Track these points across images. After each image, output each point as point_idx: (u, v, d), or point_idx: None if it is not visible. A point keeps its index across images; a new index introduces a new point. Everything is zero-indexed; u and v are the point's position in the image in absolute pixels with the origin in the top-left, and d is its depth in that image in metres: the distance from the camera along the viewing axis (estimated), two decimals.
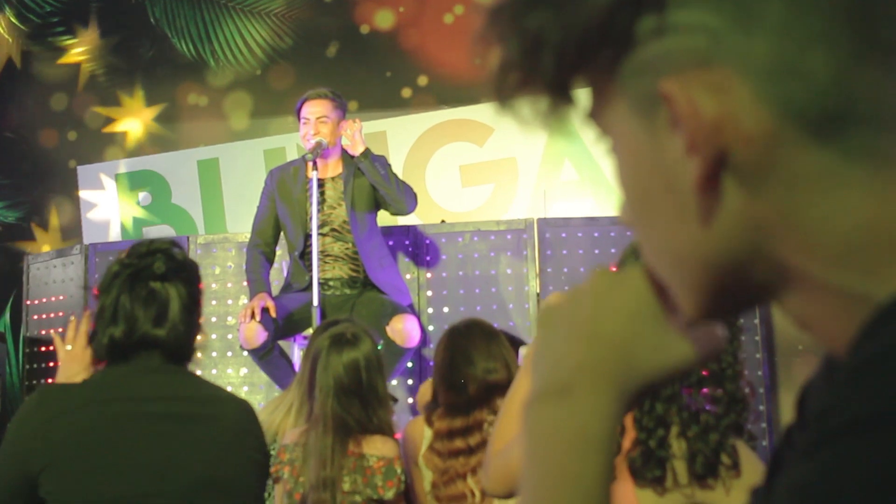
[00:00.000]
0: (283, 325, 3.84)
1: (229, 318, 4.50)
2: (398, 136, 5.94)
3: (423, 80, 6.04)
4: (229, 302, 4.55)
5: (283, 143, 6.11)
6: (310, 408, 2.65)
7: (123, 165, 6.48)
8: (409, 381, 4.25)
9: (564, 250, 4.35)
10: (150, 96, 6.51)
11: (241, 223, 5.65)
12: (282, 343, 3.96)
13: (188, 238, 4.70)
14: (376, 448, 2.56)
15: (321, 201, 3.95)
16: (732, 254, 0.56)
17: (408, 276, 4.36)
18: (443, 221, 4.92)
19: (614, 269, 0.67)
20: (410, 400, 4.21)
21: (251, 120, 6.31)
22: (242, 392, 4.35)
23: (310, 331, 3.71)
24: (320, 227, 3.90)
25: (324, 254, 3.96)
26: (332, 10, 6.25)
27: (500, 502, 2.32)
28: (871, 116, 0.52)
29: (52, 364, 4.74)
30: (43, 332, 4.92)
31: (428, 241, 4.46)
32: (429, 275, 4.41)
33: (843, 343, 0.51)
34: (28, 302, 5.10)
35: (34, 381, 4.90)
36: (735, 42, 0.52)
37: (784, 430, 0.64)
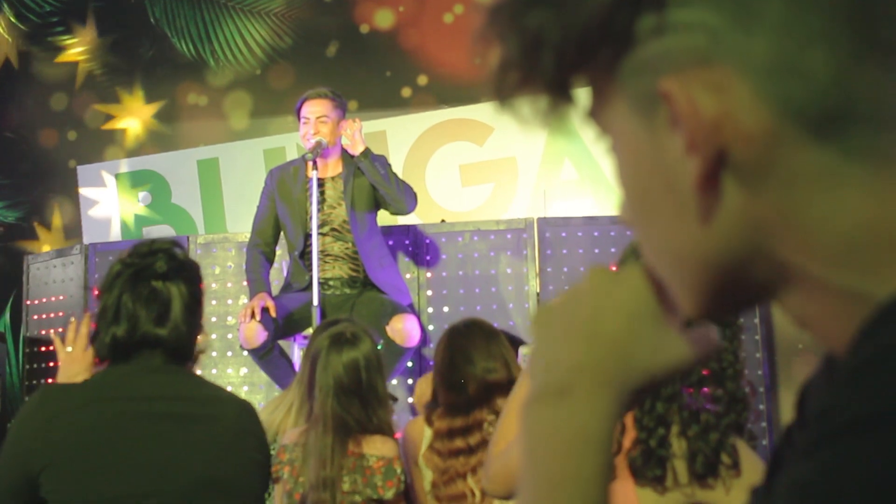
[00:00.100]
0: (283, 324, 3.84)
1: (229, 318, 4.50)
2: (398, 136, 5.94)
3: (422, 80, 6.04)
4: (229, 302, 4.55)
5: (282, 142, 6.11)
6: (309, 407, 2.65)
7: (123, 165, 6.48)
8: (409, 381, 4.25)
9: (564, 250, 4.35)
10: (149, 95, 6.51)
11: (240, 223, 5.66)
12: (282, 343, 3.96)
13: (188, 238, 4.70)
14: (376, 448, 2.56)
15: (321, 201, 3.95)
16: (732, 253, 0.55)
17: (408, 276, 4.36)
18: (443, 221, 4.92)
19: (613, 268, 0.67)
20: (410, 399, 4.21)
21: (251, 120, 6.31)
22: (242, 392, 4.35)
23: (310, 330, 3.71)
24: (320, 226, 3.90)
25: (324, 253, 3.96)
26: (332, 9, 6.25)
27: (500, 503, 2.31)
28: (871, 116, 0.52)
29: (52, 364, 4.74)
30: (43, 332, 4.92)
31: (428, 241, 4.46)
32: (429, 274, 4.41)
33: (843, 342, 0.51)
34: (28, 302, 5.10)
35: (34, 381, 4.90)
36: (735, 41, 0.52)
37: (784, 430, 0.64)
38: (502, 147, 5.78)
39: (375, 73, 6.07)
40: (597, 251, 4.30)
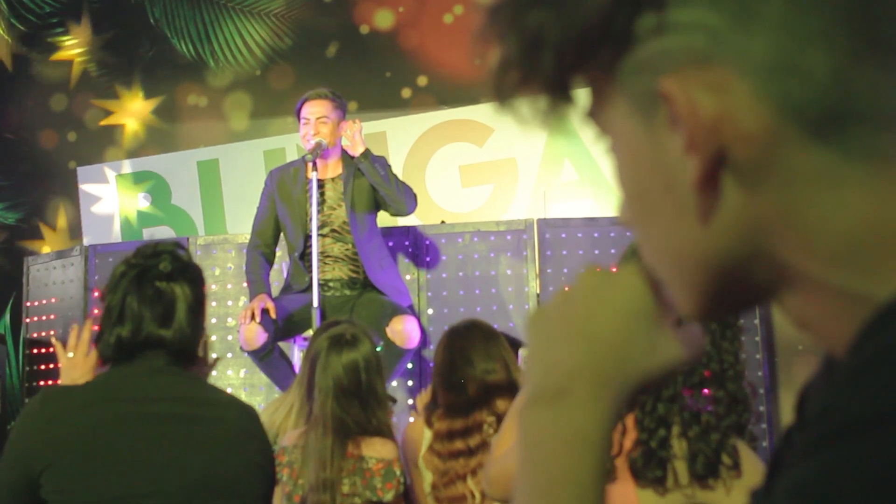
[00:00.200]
0: (283, 326, 3.84)
1: (229, 320, 4.50)
2: (398, 137, 5.94)
3: (422, 81, 6.04)
4: (229, 303, 4.55)
5: (282, 143, 6.10)
6: (309, 409, 2.65)
7: (123, 166, 6.48)
8: (410, 383, 4.25)
9: (564, 251, 4.35)
10: (149, 94, 6.51)
11: (240, 224, 5.65)
12: (282, 344, 3.95)
13: (188, 239, 4.70)
14: (375, 450, 2.56)
15: (321, 202, 3.95)
16: (731, 253, 0.55)
17: (407, 277, 4.35)
18: (443, 222, 4.92)
19: (613, 269, 0.67)
20: (410, 401, 4.21)
21: (251, 120, 6.31)
22: (242, 393, 4.35)
23: (310, 332, 3.71)
24: (320, 227, 3.90)
25: (324, 255, 3.96)
26: (332, 10, 6.25)
27: None
28: (871, 115, 0.52)
29: (51, 366, 4.74)
30: (43, 334, 4.92)
31: (428, 242, 4.46)
32: (428, 275, 4.41)
33: (843, 343, 0.51)
34: (28, 303, 5.10)
35: (34, 383, 4.90)
36: (734, 41, 0.52)
37: (784, 431, 0.64)
38: (502, 148, 5.78)
39: (375, 73, 6.07)
40: (597, 252, 4.30)
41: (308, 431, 2.59)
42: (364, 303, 3.92)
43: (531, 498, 0.62)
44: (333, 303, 3.93)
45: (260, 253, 4.08)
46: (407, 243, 4.46)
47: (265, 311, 3.75)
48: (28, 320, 5.07)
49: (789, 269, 0.54)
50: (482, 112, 5.68)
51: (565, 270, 4.30)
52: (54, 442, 1.75)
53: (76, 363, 2.08)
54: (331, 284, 3.98)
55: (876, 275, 0.51)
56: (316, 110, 3.95)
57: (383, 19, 6.17)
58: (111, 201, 6.46)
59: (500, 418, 2.69)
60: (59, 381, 2.11)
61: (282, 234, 4.13)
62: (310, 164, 3.79)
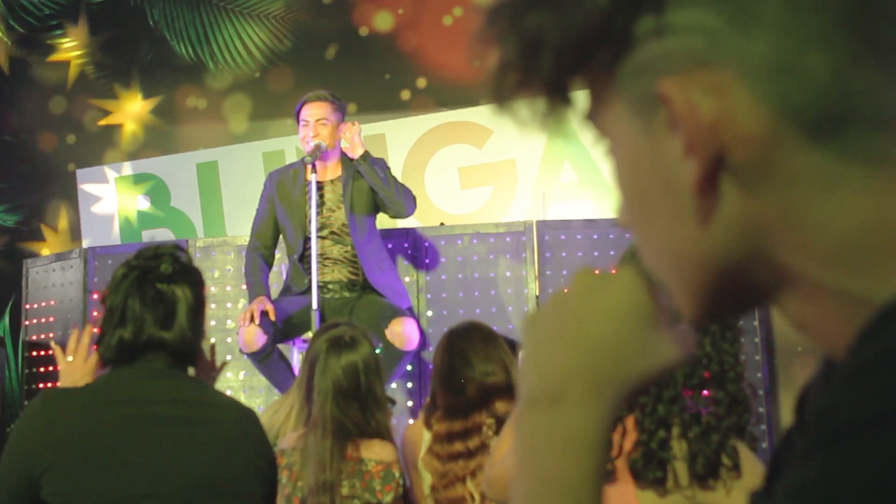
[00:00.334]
0: (283, 328, 3.84)
1: (228, 322, 4.50)
2: (397, 139, 5.94)
3: (422, 83, 6.04)
4: (228, 305, 4.55)
5: (282, 145, 6.10)
6: (308, 411, 2.65)
7: (123, 168, 6.48)
8: (409, 385, 4.25)
9: (564, 252, 4.35)
10: (148, 96, 6.51)
11: (240, 226, 5.65)
12: (281, 346, 3.95)
13: (187, 241, 4.70)
14: (374, 452, 2.56)
15: (320, 204, 3.95)
16: (731, 255, 0.55)
17: (407, 279, 4.35)
18: (442, 224, 4.92)
19: (599, 271, 0.66)
20: (410, 403, 4.21)
21: (250, 122, 6.31)
22: (242, 396, 4.35)
23: (309, 334, 3.71)
24: (319, 229, 3.90)
25: (323, 257, 3.96)
26: (331, 12, 6.25)
27: None
28: (870, 117, 0.52)
29: (51, 368, 4.74)
30: (42, 337, 4.92)
31: (427, 244, 4.45)
32: (428, 277, 4.41)
33: (842, 345, 0.51)
34: (27, 306, 5.09)
35: (34, 385, 4.89)
36: (733, 42, 0.52)
37: (783, 433, 0.64)
38: (501, 150, 5.78)
39: (374, 75, 6.07)
40: (596, 254, 4.30)
41: (307, 433, 2.58)
42: (363, 305, 3.92)
43: (528, 501, 0.62)
44: (333, 305, 3.93)
45: (259, 255, 4.08)
46: (406, 245, 4.46)
47: (264, 314, 3.75)
48: (27, 323, 5.07)
49: (788, 270, 0.54)
50: (481, 114, 5.68)
51: (565, 272, 4.30)
52: (55, 444, 1.75)
53: (75, 367, 2.08)
54: (330, 286, 3.98)
55: (875, 276, 0.51)
56: (315, 112, 3.95)
57: (382, 21, 6.17)
58: (110, 203, 6.46)
59: (499, 420, 2.69)
60: (58, 385, 2.11)
61: (281, 237, 4.12)
62: (309, 167, 3.79)
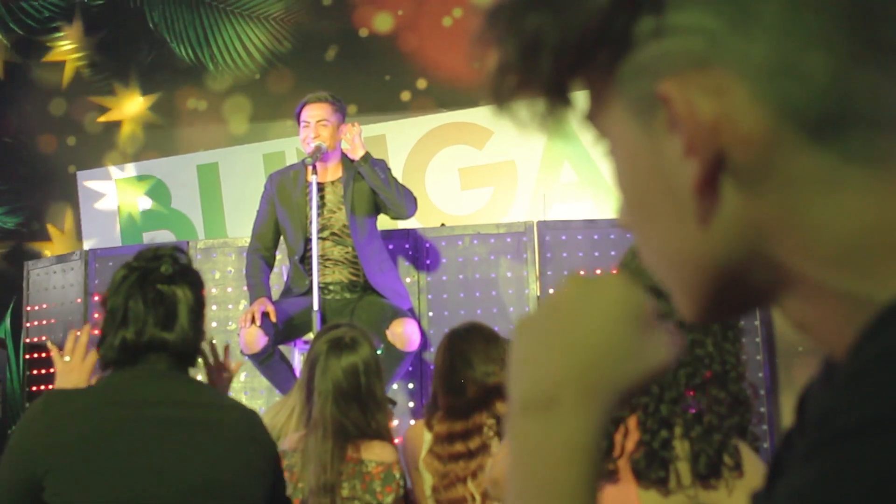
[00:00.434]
0: (284, 329, 3.84)
1: (230, 324, 4.50)
2: (397, 140, 5.94)
3: (422, 84, 6.04)
4: (229, 307, 4.55)
5: (282, 147, 6.10)
6: (308, 412, 2.65)
7: (123, 170, 6.49)
8: (410, 385, 4.25)
9: (564, 253, 4.35)
10: (152, 108, 6.51)
11: (240, 228, 5.65)
12: (282, 348, 3.95)
13: (188, 243, 4.70)
14: (375, 454, 2.56)
15: (321, 205, 3.95)
16: (731, 256, 0.55)
17: (408, 280, 4.35)
18: (442, 225, 4.92)
19: (589, 275, 0.66)
20: (411, 404, 4.21)
21: (250, 124, 6.31)
22: (243, 397, 4.35)
23: (310, 335, 3.71)
24: (320, 231, 3.90)
25: (324, 258, 3.96)
26: (331, 13, 6.25)
27: None
28: (870, 118, 0.51)
29: (52, 370, 4.73)
30: (43, 339, 4.92)
31: (428, 245, 4.45)
32: (429, 278, 4.41)
33: (843, 346, 0.51)
34: (28, 308, 5.10)
35: (35, 387, 4.89)
36: (733, 43, 0.52)
37: (784, 434, 0.64)
38: (502, 150, 5.78)
39: (374, 76, 6.07)
40: (597, 254, 4.30)
41: (307, 435, 2.58)
42: (364, 306, 3.92)
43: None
44: (333, 306, 3.93)
45: (260, 256, 4.08)
46: (407, 246, 4.46)
47: (265, 315, 3.75)
48: (28, 325, 5.07)
49: (789, 271, 0.54)
50: (481, 115, 5.68)
51: (565, 272, 4.29)
52: (57, 445, 1.76)
53: (73, 367, 2.08)
54: (331, 288, 3.98)
55: (875, 277, 0.51)
56: (316, 114, 3.95)
57: (382, 22, 6.17)
58: (111, 205, 6.47)
59: (500, 421, 2.69)
60: (53, 386, 2.11)
61: (282, 238, 4.12)
62: (309, 168, 3.79)
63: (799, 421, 0.62)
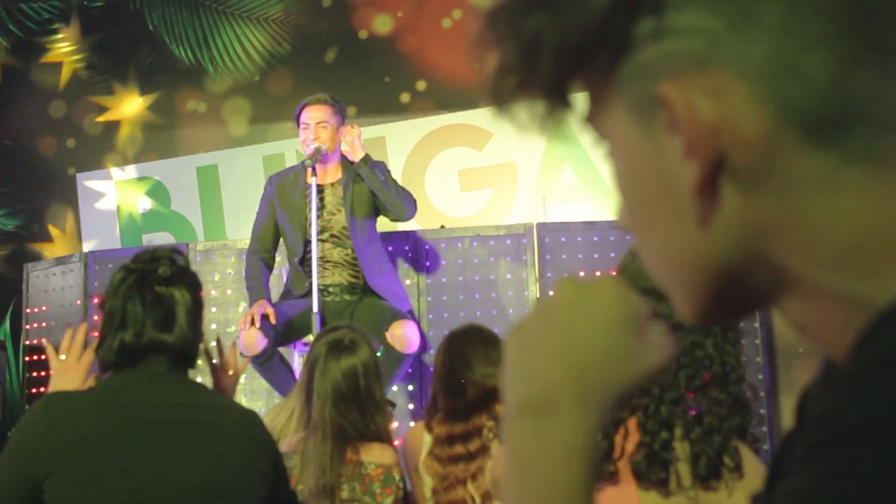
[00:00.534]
0: (283, 331, 3.84)
1: (229, 326, 4.50)
2: (397, 142, 5.94)
3: (421, 85, 6.04)
4: (229, 309, 4.55)
5: (282, 149, 6.10)
6: (308, 414, 2.65)
7: (123, 172, 6.49)
8: (410, 387, 4.25)
9: (564, 255, 4.35)
10: (150, 107, 6.51)
11: (240, 230, 5.66)
12: (282, 350, 3.95)
13: (188, 245, 4.70)
14: (374, 455, 2.56)
15: (321, 207, 3.95)
16: (731, 257, 0.55)
17: (407, 282, 4.35)
18: (442, 227, 4.92)
19: (580, 279, 0.66)
20: (411, 406, 4.21)
21: (250, 126, 6.32)
22: (243, 399, 4.35)
23: (310, 337, 3.71)
24: (320, 233, 3.90)
25: (323, 260, 3.96)
26: (331, 15, 6.25)
27: None
28: (871, 118, 0.51)
29: (51, 372, 4.73)
30: (42, 341, 4.92)
31: (427, 247, 4.45)
32: (428, 280, 4.41)
33: (842, 348, 0.50)
34: (28, 310, 5.09)
35: (34, 390, 4.89)
36: (733, 44, 0.52)
37: (784, 436, 0.64)
38: (501, 152, 5.78)
39: (374, 78, 6.08)
40: (596, 256, 4.30)
41: (307, 437, 2.58)
42: (364, 308, 3.92)
43: None
44: (333, 308, 3.93)
45: (259, 258, 4.08)
46: (406, 248, 4.46)
47: (265, 317, 3.75)
48: (28, 327, 5.06)
49: (789, 273, 0.54)
50: (481, 116, 5.68)
51: (565, 274, 4.29)
52: (58, 447, 1.76)
53: (69, 366, 2.08)
54: (330, 289, 3.98)
55: (875, 279, 0.51)
56: (315, 115, 3.95)
57: (382, 24, 6.18)
58: (111, 207, 6.47)
59: (499, 422, 2.68)
60: (49, 386, 2.11)
61: (281, 240, 4.12)
62: (309, 170, 3.79)
63: (799, 422, 0.62)
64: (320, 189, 3.96)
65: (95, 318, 4.54)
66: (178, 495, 1.78)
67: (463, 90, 5.72)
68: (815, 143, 0.51)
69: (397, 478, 2.55)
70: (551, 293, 0.66)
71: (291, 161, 5.76)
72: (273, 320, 3.76)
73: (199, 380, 2.12)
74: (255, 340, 3.70)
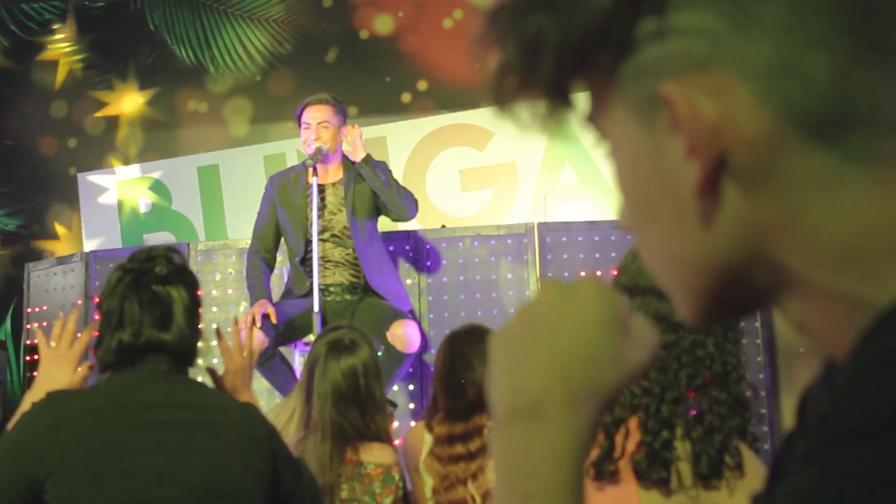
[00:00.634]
0: (284, 331, 3.84)
1: (230, 325, 4.49)
2: (398, 141, 5.94)
3: (422, 85, 6.04)
4: (230, 308, 4.55)
5: (283, 149, 6.11)
6: (307, 414, 2.65)
7: (124, 172, 6.49)
8: (411, 387, 4.25)
9: (565, 254, 4.34)
10: (149, 102, 6.52)
11: (241, 229, 5.66)
12: (283, 349, 3.95)
13: (188, 245, 4.70)
14: (374, 455, 2.56)
15: (322, 207, 3.95)
16: (732, 257, 0.55)
17: (408, 282, 4.35)
18: (443, 226, 4.92)
19: (564, 282, 0.66)
20: (411, 405, 4.21)
21: (251, 126, 6.32)
22: None
23: (311, 337, 3.71)
24: (321, 232, 3.90)
25: (324, 259, 3.96)
26: (332, 15, 6.26)
27: None
28: (871, 118, 0.51)
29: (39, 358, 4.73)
30: (35, 326, 4.92)
31: (428, 246, 4.45)
32: (429, 280, 4.41)
33: (843, 348, 0.50)
34: (28, 309, 5.09)
35: None
36: (734, 44, 0.52)
37: (785, 436, 0.64)
38: (502, 152, 5.78)
39: (375, 78, 6.08)
40: (597, 256, 4.30)
41: (306, 437, 2.58)
42: (364, 307, 3.92)
43: None
44: (334, 307, 3.93)
45: (260, 258, 4.08)
46: (407, 248, 4.46)
47: (266, 317, 3.75)
48: (28, 326, 5.07)
49: (790, 273, 0.54)
50: (482, 116, 5.68)
51: (566, 274, 4.30)
52: (59, 447, 1.75)
53: (59, 353, 2.06)
54: (331, 289, 3.98)
55: (876, 279, 0.51)
56: (317, 115, 3.95)
57: (383, 24, 6.18)
58: (112, 207, 6.47)
59: None
60: (37, 372, 2.09)
61: (282, 240, 4.13)
62: (310, 169, 3.79)
63: (799, 422, 0.62)
64: (321, 189, 3.96)
65: (96, 317, 4.54)
66: (179, 495, 1.78)
67: (464, 90, 5.72)
68: (816, 143, 0.51)
69: (397, 477, 2.56)
70: (533, 298, 0.66)
71: (292, 161, 5.76)
72: (274, 320, 3.76)
73: (199, 379, 2.12)
74: (256, 340, 3.70)
